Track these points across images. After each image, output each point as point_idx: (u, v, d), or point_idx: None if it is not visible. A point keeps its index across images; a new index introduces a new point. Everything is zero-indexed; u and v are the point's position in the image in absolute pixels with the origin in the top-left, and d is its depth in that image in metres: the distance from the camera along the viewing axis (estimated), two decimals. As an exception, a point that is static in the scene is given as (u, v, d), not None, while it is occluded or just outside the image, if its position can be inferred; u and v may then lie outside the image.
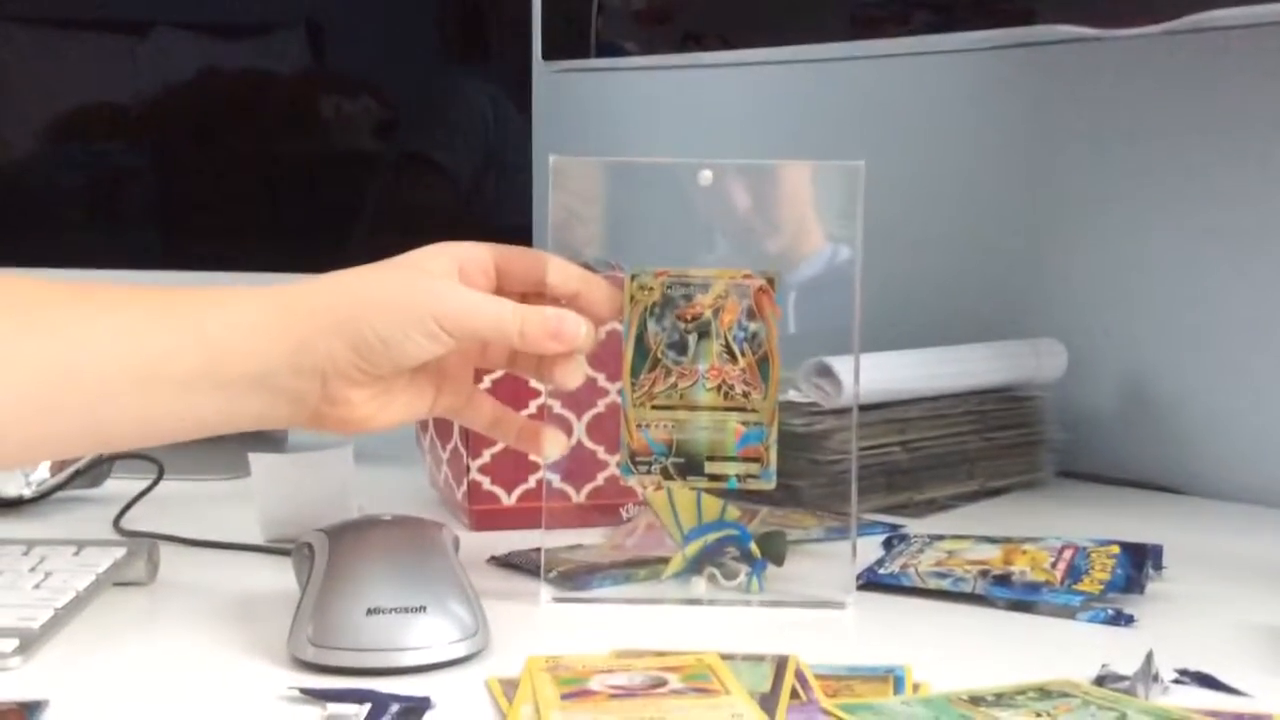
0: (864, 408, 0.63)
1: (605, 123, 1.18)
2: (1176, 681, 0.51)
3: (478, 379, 0.63)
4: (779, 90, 1.07)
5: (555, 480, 0.71)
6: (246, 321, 0.54)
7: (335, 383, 0.54)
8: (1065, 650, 0.55)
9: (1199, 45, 0.79)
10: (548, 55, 0.97)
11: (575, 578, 0.62)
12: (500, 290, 0.58)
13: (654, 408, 0.61)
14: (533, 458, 0.73)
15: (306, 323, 0.54)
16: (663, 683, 0.50)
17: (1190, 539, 0.71)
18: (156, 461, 0.79)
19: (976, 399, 0.84)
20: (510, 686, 0.50)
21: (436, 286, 0.55)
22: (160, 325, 0.53)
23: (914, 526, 0.75)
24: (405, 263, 0.57)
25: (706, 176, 0.61)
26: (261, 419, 0.55)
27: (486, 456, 0.74)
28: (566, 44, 0.96)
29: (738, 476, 0.61)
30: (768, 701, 0.48)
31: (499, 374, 0.68)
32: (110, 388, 0.52)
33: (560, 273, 0.58)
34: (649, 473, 0.61)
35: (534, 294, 0.58)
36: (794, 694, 0.49)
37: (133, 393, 0.52)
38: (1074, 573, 0.62)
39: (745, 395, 0.60)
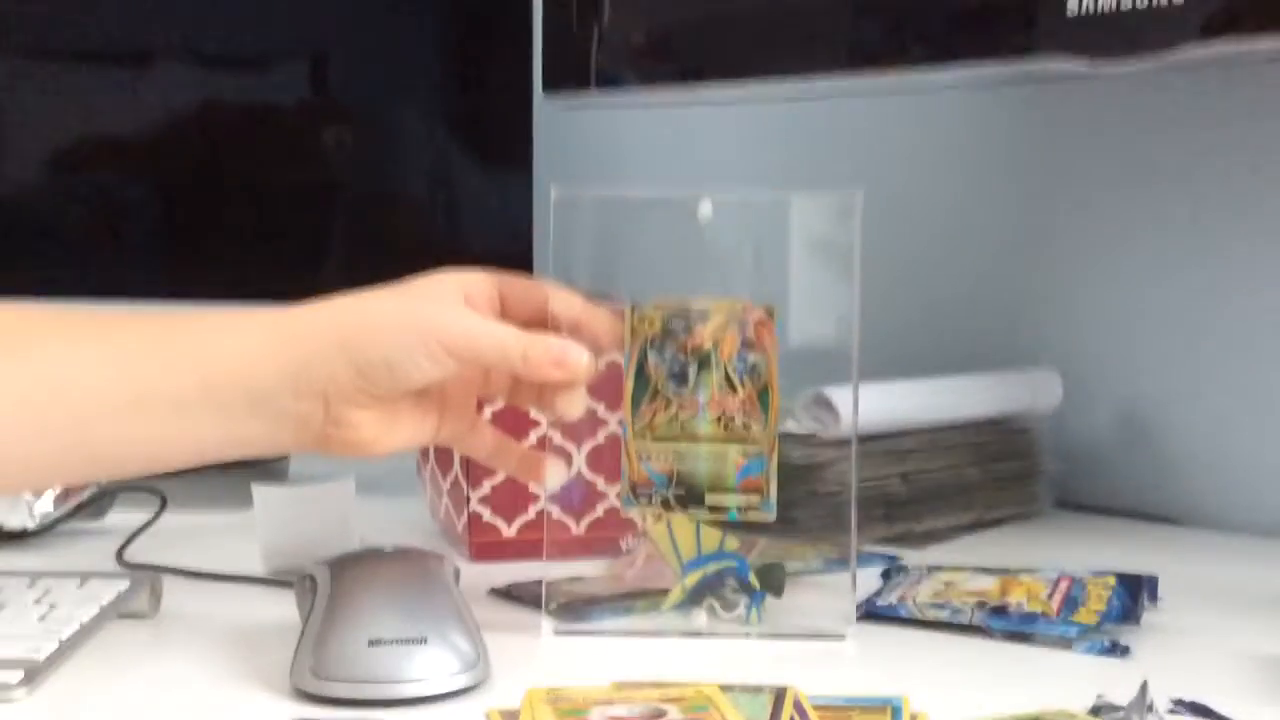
0: (862, 439, 0.63)
1: (605, 155, 1.19)
2: (1172, 712, 0.52)
3: (480, 409, 0.63)
4: (778, 123, 1.07)
5: (556, 511, 0.71)
6: (245, 343, 0.54)
7: (338, 405, 0.54)
8: (1061, 681, 0.56)
9: (1194, 80, 0.80)
10: (548, 88, 0.98)
11: (575, 609, 0.63)
12: (503, 318, 0.58)
13: (655, 439, 0.61)
14: (533, 488, 0.73)
15: (308, 344, 0.54)
16: (662, 714, 0.50)
17: (1186, 570, 0.72)
18: (159, 494, 0.80)
19: (973, 430, 0.85)
20: (511, 718, 0.50)
21: (440, 310, 0.56)
22: (152, 347, 0.54)
23: (911, 557, 0.75)
24: (409, 288, 0.57)
25: (706, 208, 0.61)
26: (265, 442, 0.55)
27: (487, 488, 0.74)
28: (567, 77, 0.97)
29: (738, 508, 0.61)
30: (767, 733, 0.48)
31: (500, 405, 0.69)
32: (100, 409, 0.52)
33: (562, 302, 0.59)
34: (650, 504, 0.61)
35: (536, 323, 0.59)
36: (793, 725, 0.49)
37: (125, 414, 0.53)
38: (1070, 604, 0.62)
39: (745, 426, 0.61)
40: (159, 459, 0.55)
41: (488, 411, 0.69)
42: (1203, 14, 0.63)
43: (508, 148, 1.06)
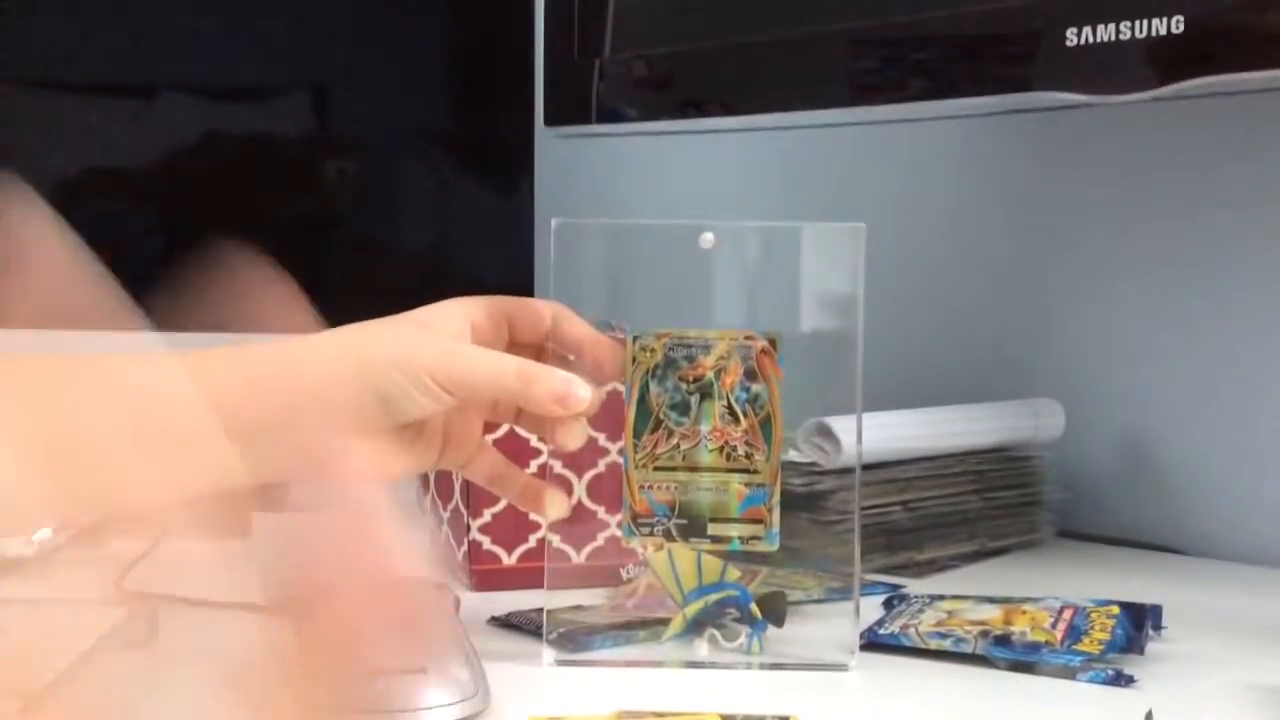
0: (864, 468, 0.63)
1: (606, 186, 1.19)
2: (1178, 742, 0.51)
3: (486, 432, 0.63)
4: (780, 154, 1.08)
5: (556, 540, 0.71)
6: (245, 378, 0.54)
7: (338, 436, 0.54)
8: (1065, 711, 0.55)
9: (1192, 111, 0.80)
10: (550, 120, 0.99)
11: (576, 639, 0.63)
12: (512, 342, 0.58)
13: (656, 469, 0.61)
14: (534, 517, 0.73)
15: (306, 379, 0.54)
16: (665, 744, 0.50)
17: (1190, 599, 0.71)
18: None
19: (976, 459, 0.84)
20: (512, 747, 0.50)
21: (438, 344, 0.56)
22: (153, 384, 0.54)
23: (914, 587, 0.75)
24: (414, 319, 0.57)
25: (708, 239, 0.61)
26: (267, 473, 0.55)
27: (487, 516, 0.74)
28: (568, 109, 0.97)
29: (741, 538, 0.61)
30: (770, 762, 0.48)
31: (500, 433, 0.69)
32: (107, 450, 0.52)
33: (568, 329, 0.59)
34: (652, 534, 0.61)
35: (543, 346, 0.59)
36: (796, 755, 0.49)
37: (131, 454, 0.53)
38: (1074, 633, 0.62)
39: (748, 456, 0.61)
40: (167, 493, 0.55)
41: (488, 438, 0.69)
42: (1200, 46, 0.64)
43: (509, 178, 1.06)
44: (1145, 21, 0.64)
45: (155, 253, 1.04)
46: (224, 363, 0.55)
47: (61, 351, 0.55)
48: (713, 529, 0.61)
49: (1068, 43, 0.67)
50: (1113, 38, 0.65)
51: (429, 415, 0.56)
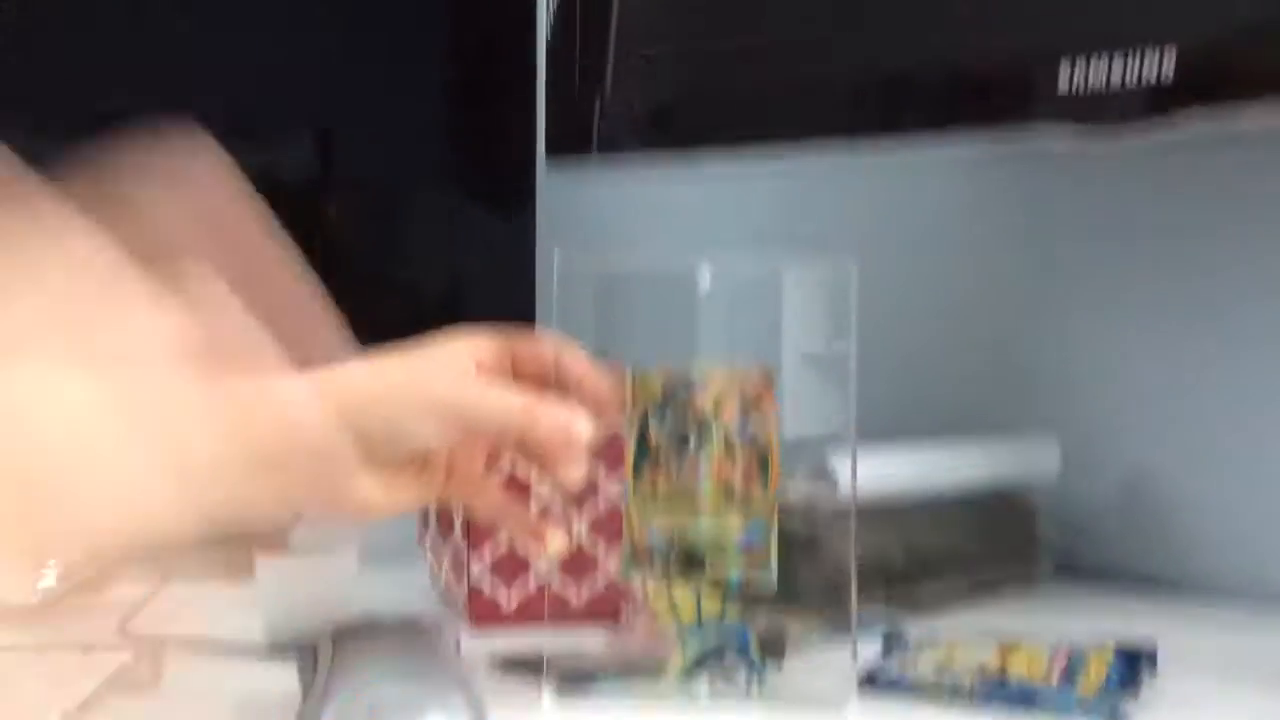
0: (861, 506, 0.64)
1: (607, 222, 1.20)
2: (1173, 784, 0.52)
3: (488, 466, 0.63)
4: (777, 192, 1.09)
5: (556, 580, 0.71)
6: (240, 415, 0.55)
7: (341, 467, 0.55)
8: (1063, 752, 0.55)
9: (1185, 152, 0.81)
10: (551, 157, 0.99)
11: (576, 679, 0.63)
12: (515, 376, 0.59)
13: (656, 506, 0.61)
14: (534, 557, 0.73)
15: (309, 412, 0.55)
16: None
17: (1187, 638, 0.71)
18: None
19: (973, 498, 0.85)
20: (512, 791, 0.50)
21: (442, 378, 0.56)
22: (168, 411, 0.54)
23: (912, 626, 0.75)
24: (418, 354, 0.58)
25: (706, 277, 0.62)
26: (273, 504, 0.56)
27: (487, 557, 0.74)
28: (570, 146, 0.98)
29: (739, 575, 0.61)
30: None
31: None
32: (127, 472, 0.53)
33: (570, 364, 0.59)
34: (651, 571, 0.62)
35: (545, 381, 0.59)
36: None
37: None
38: (1071, 673, 0.62)
39: (746, 493, 0.61)
40: (173, 522, 0.56)
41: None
42: (1192, 89, 0.64)
43: (511, 215, 1.07)
44: (1137, 61, 0.65)
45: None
46: (228, 396, 0.55)
47: None
48: (711, 566, 0.61)
49: (1060, 88, 0.68)
50: (1104, 82, 0.66)
51: (431, 448, 0.57)
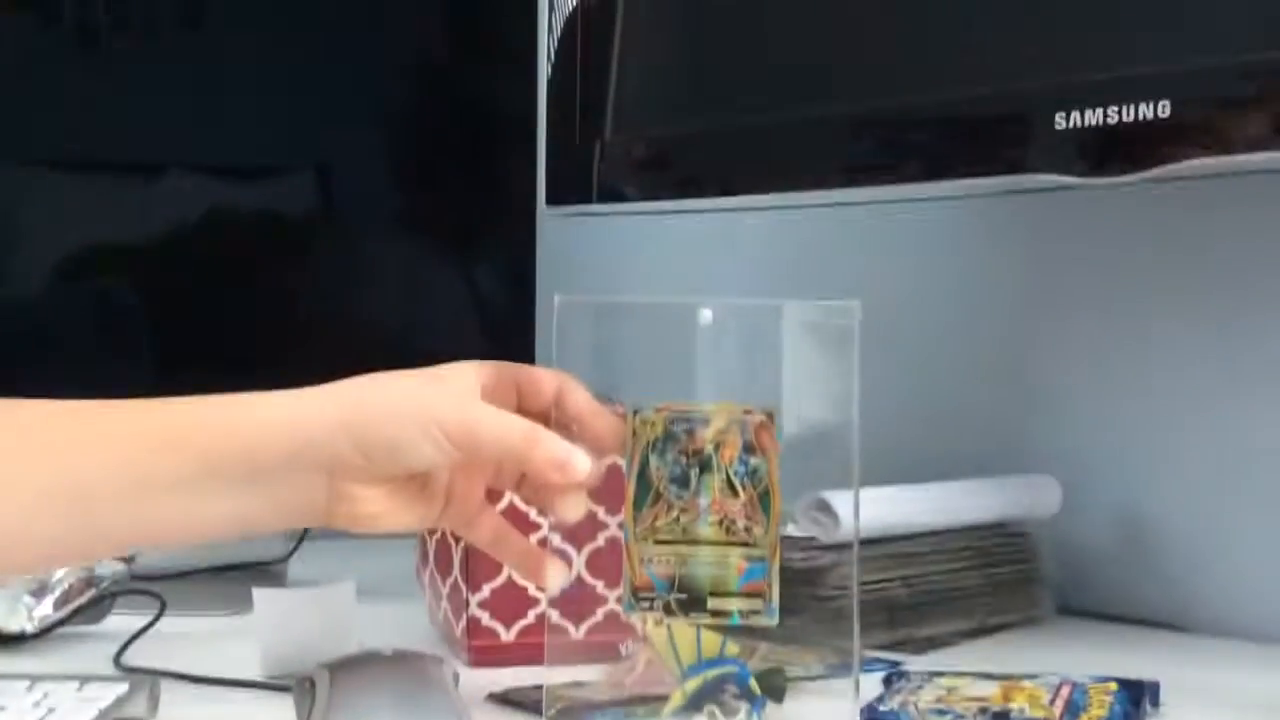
0: (862, 543, 0.64)
1: (607, 264, 1.21)
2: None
3: (490, 499, 0.63)
4: (776, 234, 1.09)
5: (556, 616, 0.71)
6: (247, 421, 0.55)
7: (341, 481, 0.55)
8: (1066, 788, 0.55)
9: (1182, 190, 0.82)
10: (551, 200, 1.00)
11: (575, 715, 0.62)
12: (518, 409, 0.59)
13: (656, 542, 0.61)
14: (533, 591, 0.73)
15: (312, 423, 0.55)
16: (664, 820, 0.49)
17: (1188, 675, 0.71)
18: (158, 597, 0.80)
19: (974, 535, 0.85)
20: (511, 823, 0.50)
21: (448, 398, 0.56)
22: (155, 429, 0.55)
23: (913, 663, 0.75)
24: (426, 373, 0.58)
25: (706, 316, 0.62)
26: (270, 518, 0.56)
27: (486, 592, 0.74)
28: (570, 189, 0.99)
29: (740, 612, 0.61)
30: (770, 839, 0.48)
31: (501, 506, 0.69)
32: (114, 493, 0.53)
33: (572, 400, 0.59)
34: (651, 608, 0.61)
35: (547, 417, 0.59)
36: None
37: (130, 496, 0.53)
38: (1072, 709, 0.62)
39: (747, 530, 0.61)
40: (168, 536, 0.56)
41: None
42: (1189, 128, 0.65)
43: (511, 257, 1.07)
44: (1132, 106, 0.66)
45: (159, 329, 1.05)
46: (226, 409, 0.56)
47: (63, 401, 0.56)
48: (713, 603, 0.61)
49: (1057, 126, 0.68)
50: (1101, 121, 0.67)
51: (433, 468, 0.57)
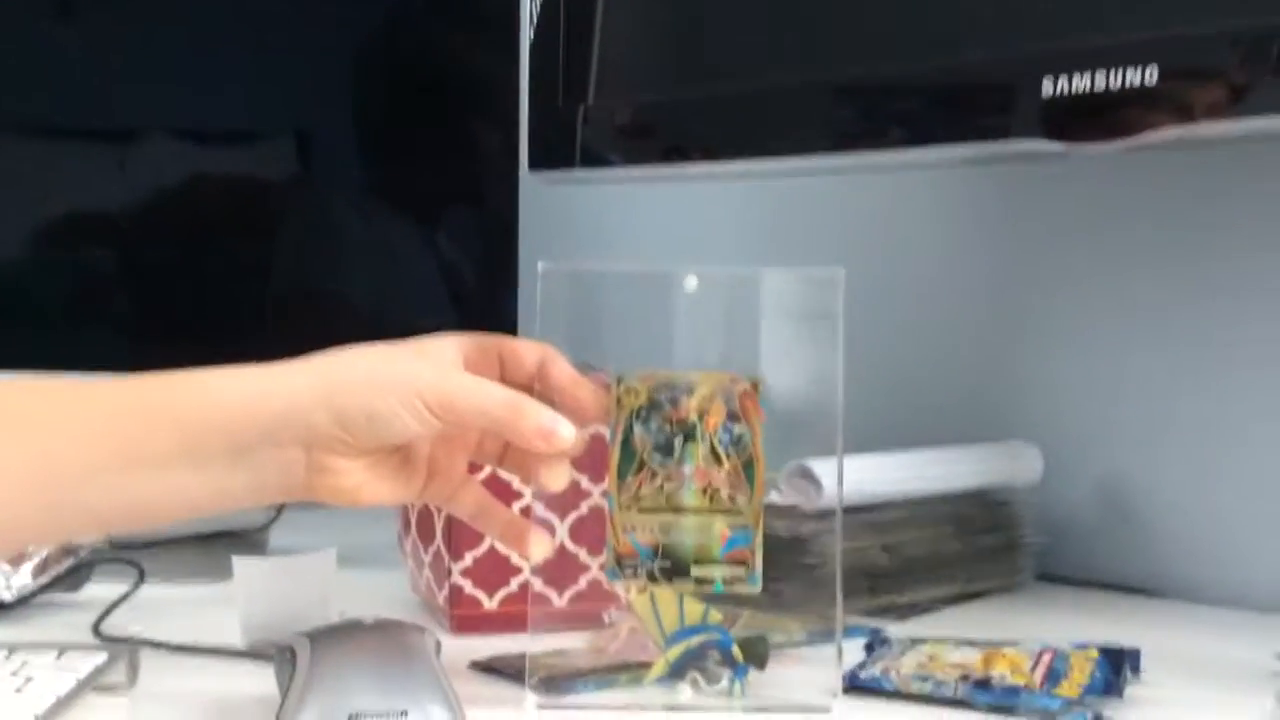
0: (845, 510, 0.64)
1: (590, 230, 1.20)
2: (1157, 785, 0.52)
3: (471, 471, 0.63)
4: (761, 201, 1.09)
5: (538, 584, 0.71)
6: (223, 396, 0.55)
7: (320, 453, 0.55)
8: (1047, 754, 0.55)
9: (1167, 160, 0.82)
10: (534, 165, 0.99)
11: (558, 683, 0.62)
12: (504, 381, 0.59)
13: (640, 510, 0.61)
14: (515, 560, 0.73)
15: (289, 396, 0.54)
16: (647, 787, 0.49)
17: (1169, 642, 0.72)
18: (137, 565, 0.79)
19: (955, 502, 0.85)
20: (494, 791, 0.50)
21: (428, 368, 0.56)
22: (132, 406, 0.54)
23: (895, 629, 0.75)
24: (406, 345, 0.58)
25: (692, 283, 0.62)
26: (251, 492, 0.55)
27: (468, 560, 0.74)
28: (552, 155, 0.98)
29: (724, 580, 0.61)
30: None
31: (483, 475, 0.69)
32: (91, 472, 0.53)
33: (554, 371, 0.59)
34: (635, 576, 0.61)
35: (531, 386, 0.59)
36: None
37: (109, 474, 0.53)
38: (1053, 676, 0.62)
39: (731, 498, 0.61)
40: (148, 515, 0.56)
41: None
42: (1175, 97, 0.65)
43: (493, 223, 1.07)
44: (1120, 71, 0.65)
45: (137, 296, 1.04)
46: (202, 385, 0.55)
47: (44, 380, 0.56)
48: (696, 571, 0.61)
49: (1044, 94, 0.68)
50: (1088, 89, 0.66)
51: (415, 439, 0.56)
